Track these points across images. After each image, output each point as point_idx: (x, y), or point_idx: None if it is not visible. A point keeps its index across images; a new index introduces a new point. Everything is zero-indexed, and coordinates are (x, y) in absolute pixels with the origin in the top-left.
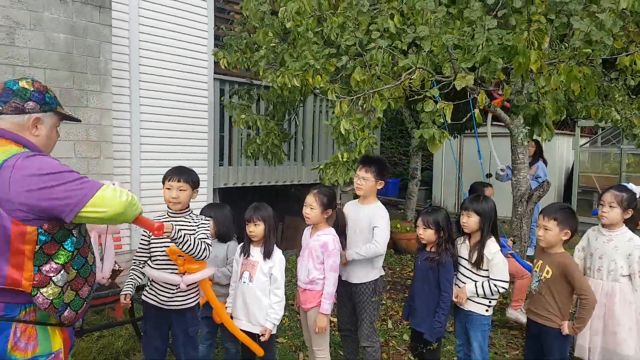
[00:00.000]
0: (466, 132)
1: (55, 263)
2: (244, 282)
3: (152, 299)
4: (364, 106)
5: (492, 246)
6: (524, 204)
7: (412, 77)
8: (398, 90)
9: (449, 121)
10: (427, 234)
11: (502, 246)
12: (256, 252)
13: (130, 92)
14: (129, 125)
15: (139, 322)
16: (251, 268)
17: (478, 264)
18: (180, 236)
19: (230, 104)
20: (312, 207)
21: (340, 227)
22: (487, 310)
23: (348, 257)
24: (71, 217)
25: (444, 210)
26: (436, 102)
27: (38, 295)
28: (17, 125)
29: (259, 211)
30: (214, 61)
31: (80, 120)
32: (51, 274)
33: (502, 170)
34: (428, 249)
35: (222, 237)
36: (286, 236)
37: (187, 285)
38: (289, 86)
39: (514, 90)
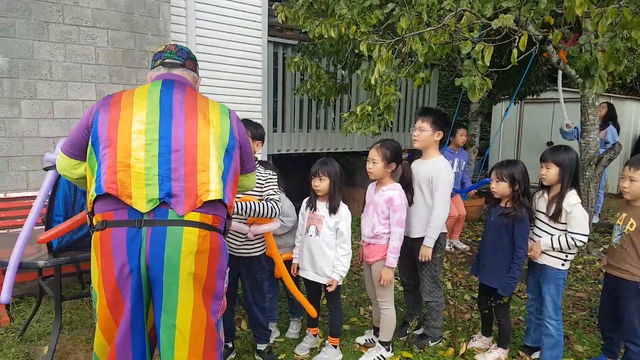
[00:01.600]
0: (527, 98)
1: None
2: (310, 236)
3: None
4: (404, 49)
5: (572, 198)
6: (592, 168)
7: (459, 22)
8: (444, 36)
9: (487, 64)
10: (499, 187)
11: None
12: (322, 206)
13: None
14: None
15: None
16: (317, 222)
17: (556, 217)
18: (240, 208)
19: (290, 59)
20: (374, 161)
21: (406, 182)
22: (563, 265)
23: (427, 244)
24: (249, 172)
25: (521, 163)
26: (474, 44)
27: (230, 220)
28: (192, 80)
29: (325, 166)
30: (268, 24)
31: None
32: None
33: (567, 126)
34: (502, 204)
35: None
36: None
37: (255, 236)
38: (326, 37)
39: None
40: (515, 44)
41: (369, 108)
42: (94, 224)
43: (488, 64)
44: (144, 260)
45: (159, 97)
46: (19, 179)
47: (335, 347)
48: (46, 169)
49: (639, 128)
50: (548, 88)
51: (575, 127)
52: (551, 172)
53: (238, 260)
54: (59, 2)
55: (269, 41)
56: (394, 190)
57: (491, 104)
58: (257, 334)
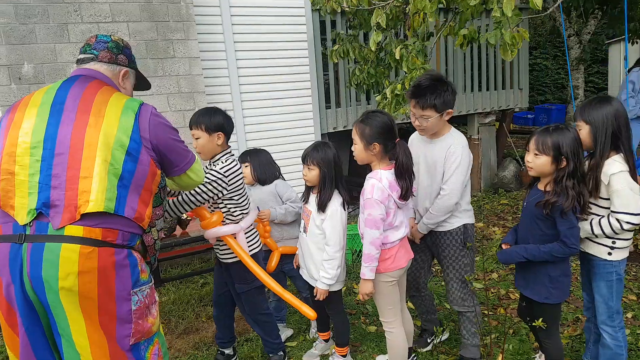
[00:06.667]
0: None
1: (161, 209)
2: (301, 232)
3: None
4: (407, 10)
5: (610, 166)
6: None
7: None
8: None
9: (510, 14)
10: (537, 163)
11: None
12: (312, 200)
13: (224, 38)
14: (227, 74)
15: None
16: (306, 217)
17: (594, 191)
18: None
19: (337, 36)
20: (355, 141)
21: (399, 168)
22: (610, 254)
23: (421, 230)
24: (179, 173)
25: (573, 130)
26: None
27: (149, 233)
28: (110, 73)
29: (315, 153)
30: None
31: (150, 87)
32: (156, 218)
33: None
34: (541, 186)
35: (261, 181)
36: None
37: (217, 240)
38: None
39: None
40: None
41: (399, 86)
42: None
43: (510, 14)
44: (27, 280)
45: (54, 94)
46: None
47: (343, 356)
48: None
49: None
50: None
51: None
52: (582, 133)
53: (223, 267)
54: (75, 1)
55: (313, 10)
56: (370, 180)
57: (596, 47)
58: (264, 344)
